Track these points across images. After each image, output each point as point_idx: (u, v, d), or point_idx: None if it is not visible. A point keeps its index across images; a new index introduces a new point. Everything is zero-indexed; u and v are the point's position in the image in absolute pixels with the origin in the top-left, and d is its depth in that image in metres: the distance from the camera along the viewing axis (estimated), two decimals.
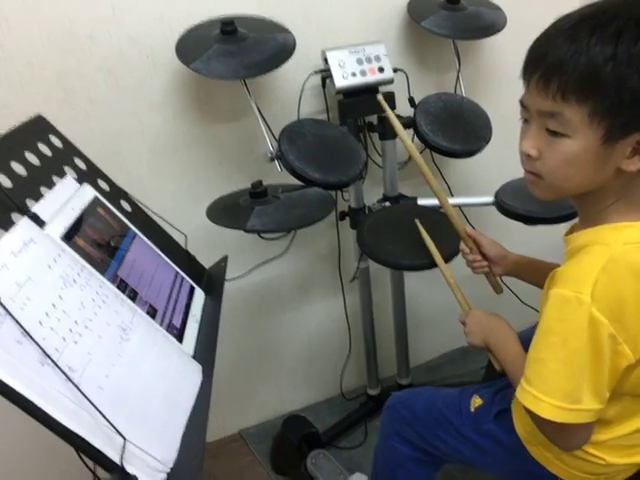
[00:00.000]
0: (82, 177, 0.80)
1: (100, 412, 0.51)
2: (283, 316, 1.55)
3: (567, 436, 0.72)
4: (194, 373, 0.67)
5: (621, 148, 0.65)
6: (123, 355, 0.59)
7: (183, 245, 0.97)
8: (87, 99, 1.18)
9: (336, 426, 1.55)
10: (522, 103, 0.71)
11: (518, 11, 1.39)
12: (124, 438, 0.51)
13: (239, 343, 1.51)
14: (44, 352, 0.50)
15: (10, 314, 0.50)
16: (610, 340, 0.65)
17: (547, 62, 0.65)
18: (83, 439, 0.49)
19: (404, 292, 1.52)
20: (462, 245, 1.05)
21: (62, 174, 0.76)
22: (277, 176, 1.18)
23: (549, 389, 0.68)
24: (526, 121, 0.72)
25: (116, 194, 0.86)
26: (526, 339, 1.08)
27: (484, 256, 1.05)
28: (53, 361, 0.50)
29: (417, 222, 1.12)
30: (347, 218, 1.42)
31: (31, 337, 0.50)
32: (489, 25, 1.35)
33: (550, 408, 0.68)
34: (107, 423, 0.51)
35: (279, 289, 1.52)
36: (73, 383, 0.50)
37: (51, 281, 0.57)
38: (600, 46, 0.61)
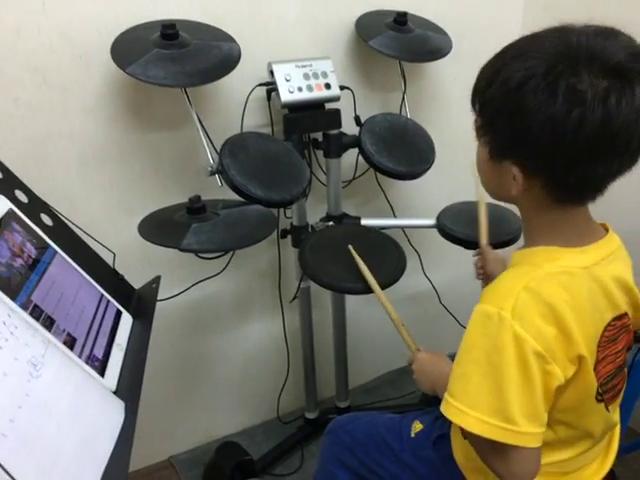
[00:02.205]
0: None
1: (2, 467, 0.44)
2: (219, 336, 1.49)
3: (507, 461, 0.67)
4: (115, 412, 0.60)
5: (506, 169, 0.67)
6: (31, 395, 0.52)
7: (111, 264, 0.89)
8: (11, 99, 1.08)
9: (272, 452, 1.49)
10: None
11: (463, 38, 1.41)
12: None
13: (171, 363, 1.43)
14: None
15: None
16: (537, 358, 0.64)
17: (481, 70, 0.68)
18: None
19: (345, 312, 1.49)
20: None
21: None
22: (217, 191, 1.12)
23: (475, 403, 0.66)
24: None
25: (36, 206, 0.77)
26: None
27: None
28: None
29: (351, 250, 1.11)
30: (289, 236, 1.38)
31: None
32: (435, 49, 1.36)
33: (476, 422, 0.65)
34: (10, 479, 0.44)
35: (216, 307, 1.45)
36: None
37: None
38: (491, 68, 0.65)
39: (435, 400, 1.20)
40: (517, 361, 0.64)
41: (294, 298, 1.43)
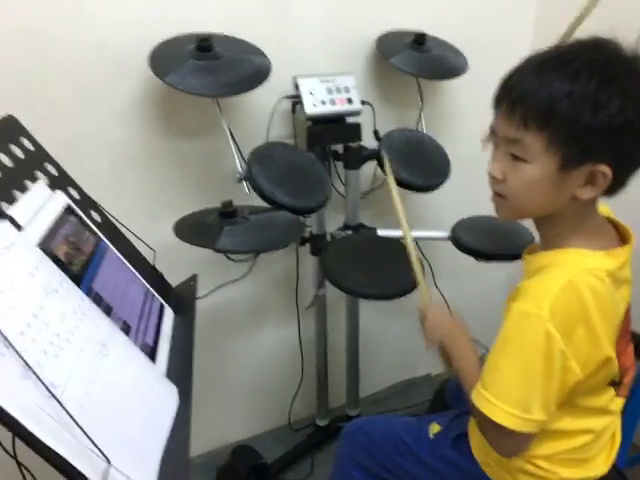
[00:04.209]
0: (54, 183, 0.75)
1: (85, 432, 0.47)
2: (235, 341, 1.51)
3: (510, 443, 0.76)
4: (170, 394, 0.63)
5: (576, 176, 0.70)
6: (103, 372, 0.55)
7: (151, 261, 0.92)
8: (48, 102, 1.13)
9: (283, 458, 1.51)
10: (492, 129, 0.76)
11: (478, 58, 1.47)
12: (109, 462, 0.48)
13: None
14: (27, 365, 0.46)
15: None
16: (561, 356, 0.69)
17: (513, 93, 0.71)
18: (66, 461, 0.45)
19: (358, 321, 1.53)
20: None
21: (34, 179, 0.71)
22: (239, 197, 1.16)
23: (504, 395, 0.72)
24: (496, 146, 0.76)
25: (86, 203, 0.81)
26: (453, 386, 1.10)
27: None
28: (37, 375, 0.46)
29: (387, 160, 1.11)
30: (307, 244, 1.41)
31: (14, 348, 0.46)
32: (452, 68, 1.41)
33: (503, 414, 0.71)
34: (91, 444, 0.47)
35: (233, 313, 1.48)
36: (57, 400, 0.46)
37: (33, 290, 0.53)
38: (559, 82, 0.67)
39: (441, 409, 1.24)
40: (544, 357, 0.69)
41: (310, 305, 1.46)
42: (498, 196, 0.77)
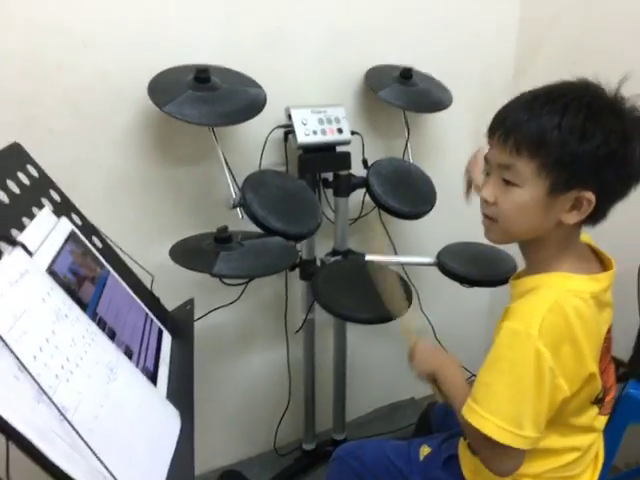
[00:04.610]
0: (57, 209, 0.77)
1: (96, 455, 0.48)
2: (223, 365, 1.52)
3: (503, 459, 0.78)
4: (173, 418, 0.65)
5: (563, 201, 0.76)
6: (110, 396, 0.57)
7: (148, 286, 0.94)
8: (46, 129, 1.15)
9: None
10: (486, 159, 0.82)
11: (462, 92, 1.53)
12: None
13: None
14: (41, 388, 0.48)
15: (8, 347, 0.47)
16: (550, 373, 0.73)
17: (507, 123, 0.77)
18: None
19: (346, 346, 1.55)
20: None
21: (40, 205, 0.73)
22: (231, 222, 1.18)
23: (494, 409, 0.74)
24: (488, 174, 0.82)
25: (88, 229, 0.83)
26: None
27: None
28: (50, 398, 0.48)
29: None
30: (296, 269, 1.44)
31: (29, 372, 0.47)
32: (437, 102, 1.47)
33: (494, 427, 0.74)
34: (102, 467, 0.49)
35: (221, 337, 1.49)
36: (70, 423, 0.48)
37: (45, 314, 0.55)
38: (549, 116, 0.73)
39: (427, 433, 1.26)
40: (535, 374, 0.72)
41: (300, 329, 1.48)
42: (489, 219, 0.82)
